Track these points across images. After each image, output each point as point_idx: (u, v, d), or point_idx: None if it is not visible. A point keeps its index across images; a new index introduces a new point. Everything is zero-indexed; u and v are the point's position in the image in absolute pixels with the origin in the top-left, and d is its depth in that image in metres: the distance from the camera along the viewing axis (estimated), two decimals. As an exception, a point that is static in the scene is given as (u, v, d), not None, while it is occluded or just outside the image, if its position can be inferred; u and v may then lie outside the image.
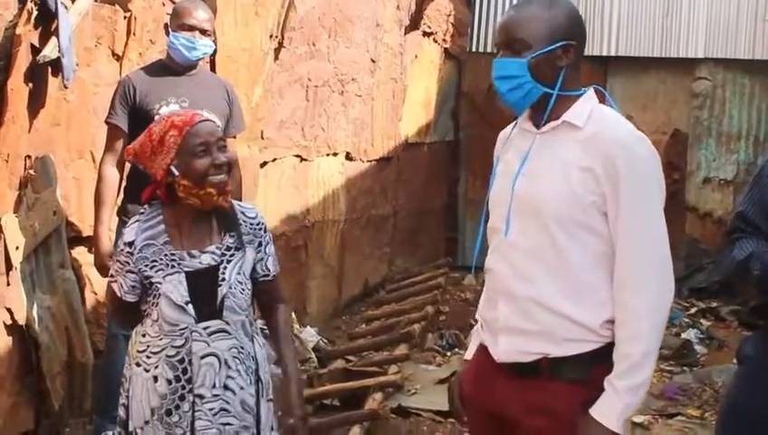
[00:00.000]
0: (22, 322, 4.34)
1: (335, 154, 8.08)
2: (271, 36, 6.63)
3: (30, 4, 4.24)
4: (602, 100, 2.69)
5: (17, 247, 4.29)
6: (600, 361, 2.54)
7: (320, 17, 7.42)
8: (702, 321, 8.76)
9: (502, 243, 2.65)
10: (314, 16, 7.32)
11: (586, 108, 2.61)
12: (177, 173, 2.94)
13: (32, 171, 4.45)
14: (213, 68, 5.78)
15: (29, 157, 4.44)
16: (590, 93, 2.66)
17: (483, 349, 2.77)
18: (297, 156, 7.38)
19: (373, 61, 8.60)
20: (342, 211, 8.34)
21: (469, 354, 2.96)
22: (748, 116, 10.00)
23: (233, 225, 3.09)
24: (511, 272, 2.61)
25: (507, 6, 10.78)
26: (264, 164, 6.85)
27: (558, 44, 2.58)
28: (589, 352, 2.55)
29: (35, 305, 4.44)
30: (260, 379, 3.13)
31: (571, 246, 2.53)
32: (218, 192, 2.98)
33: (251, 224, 3.14)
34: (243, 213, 3.15)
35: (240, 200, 3.90)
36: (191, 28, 4.48)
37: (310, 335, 7.06)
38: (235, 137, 4.84)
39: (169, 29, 4.54)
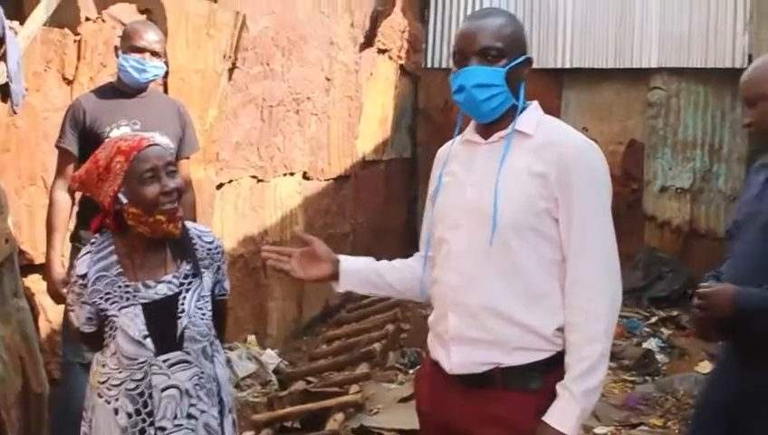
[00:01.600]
0: (-26, 353, 4.26)
1: (292, 174, 8.04)
2: (224, 57, 6.59)
3: (-24, 30, 4.18)
4: None
5: (-32, 277, 4.22)
6: (552, 369, 2.55)
7: (273, 37, 7.39)
8: (663, 330, 8.77)
9: (450, 253, 2.64)
10: (267, 36, 7.29)
11: (534, 117, 2.64)
12: (124, 201, 2.85)
13: (-19, 199, 4.38)
14: (166, 90, 5.73)
15: (-22, 184, 4.37)
16: (536, 104, 2.70)
17: (435, 363, 2.75)
18: (253, 177, 7.34)
19: (328, 79, 8.59)
20: (301, 231, 8.27)
21: None
22: (703, 124, 10.06)
23: (188, 251, 3.02)
24: (461, 281, 2.60)
25: (462, 22, 10.80)
26: (220, 186, 6.81)
27: (525, 57, 2.62)
28: (540, 360, 2.56)
29: (-12, 336, 4.36)
30: (222, 399, 3.07)
31: (523, 251, 2.53)
32: (168, 219, 2.89)
33: (208, 249, 3.07)
34: (199, 237, 3.08)
35: (194, 222, 3.84)
36: (141, 50, 4.43)
37: (270, 358, 7.00)
38: (188, 157, 4.79)
39: (119, 51, 4.47)
